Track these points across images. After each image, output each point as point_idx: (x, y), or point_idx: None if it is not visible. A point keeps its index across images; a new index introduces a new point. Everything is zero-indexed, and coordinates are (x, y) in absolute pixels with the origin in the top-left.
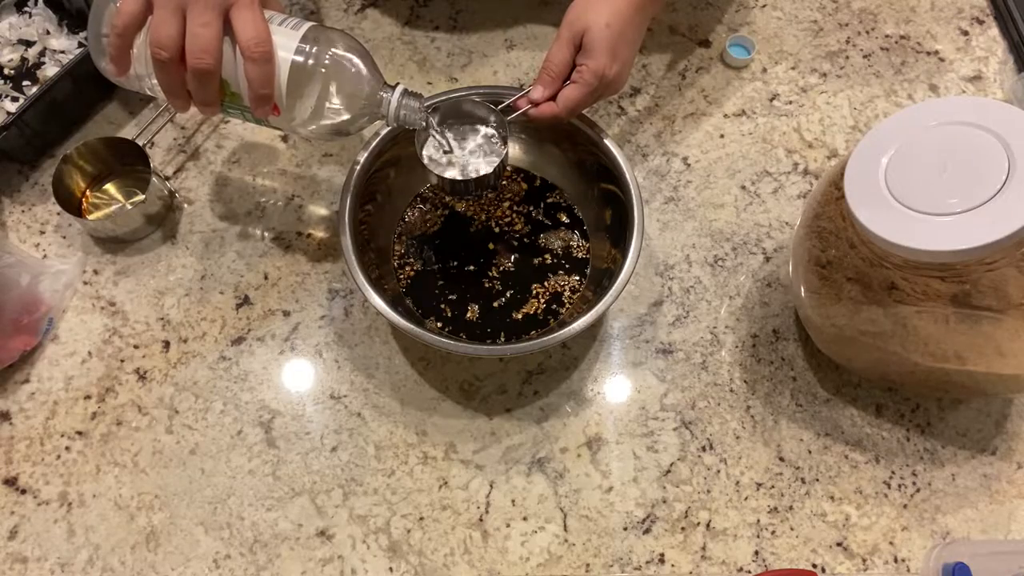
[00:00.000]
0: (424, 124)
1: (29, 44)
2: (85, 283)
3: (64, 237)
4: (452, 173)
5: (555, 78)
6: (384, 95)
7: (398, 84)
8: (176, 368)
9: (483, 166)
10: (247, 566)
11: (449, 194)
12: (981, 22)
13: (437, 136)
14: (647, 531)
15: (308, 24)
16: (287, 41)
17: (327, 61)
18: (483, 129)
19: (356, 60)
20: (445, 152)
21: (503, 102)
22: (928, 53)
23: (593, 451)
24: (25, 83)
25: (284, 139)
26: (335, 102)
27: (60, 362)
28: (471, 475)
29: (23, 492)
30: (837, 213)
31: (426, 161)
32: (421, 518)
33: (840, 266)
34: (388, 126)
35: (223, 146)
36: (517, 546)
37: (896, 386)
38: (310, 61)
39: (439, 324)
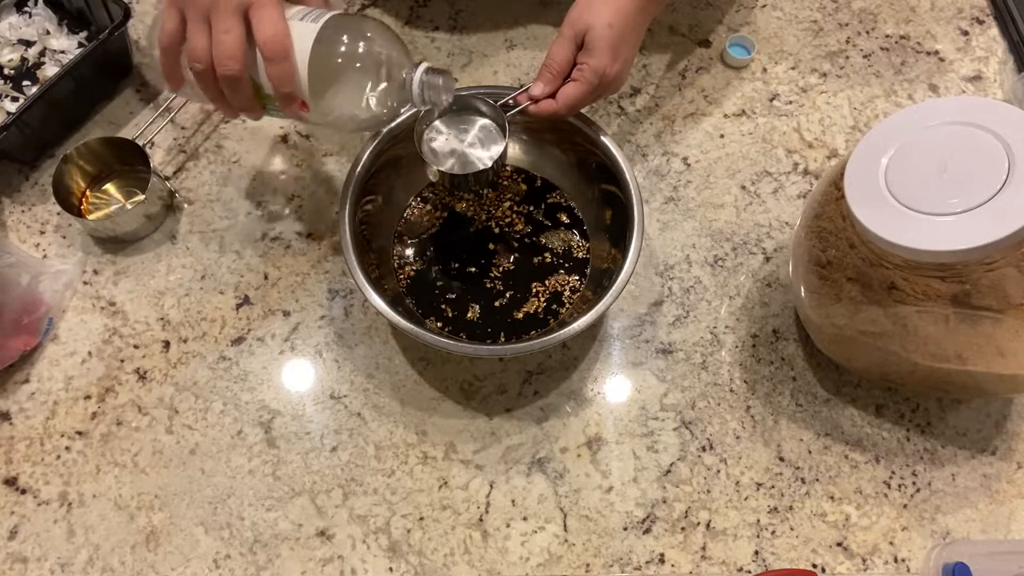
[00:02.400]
0: (450, 102)
1: (29, 44)
2: (85, 283)
3: (64, 237)
4: (450, 167)
5: (556, 75)
6: (407, 75)
7: (422, 62)
8: (176, 368)
9: (482, 161)
10: (247, 566)
11: (448, 189)
12: (981, 22)
13: (436, 128)
14: (647, 531)
15: (329, 14)
16: (306, 34)
17: (345, 49)
18: (483, 124)
19: (379, 44)
20: (435, 130)
21: (503, 99)
22: (928, 53)
23: (593, 451)
24: (25, 83)
25: (284, 139)
26: (362, 89)
27: (60, 362)
28: (471, 475)
29: (23, 492)
30: (837, 213)
31: (425, 155)
32: (421, 518)
33: (840, 266)
34: (415, 107)
35: (223, 146)
36: (517, 546)
37: (896, 386)
38: (329, 52)
39: (439, 324)
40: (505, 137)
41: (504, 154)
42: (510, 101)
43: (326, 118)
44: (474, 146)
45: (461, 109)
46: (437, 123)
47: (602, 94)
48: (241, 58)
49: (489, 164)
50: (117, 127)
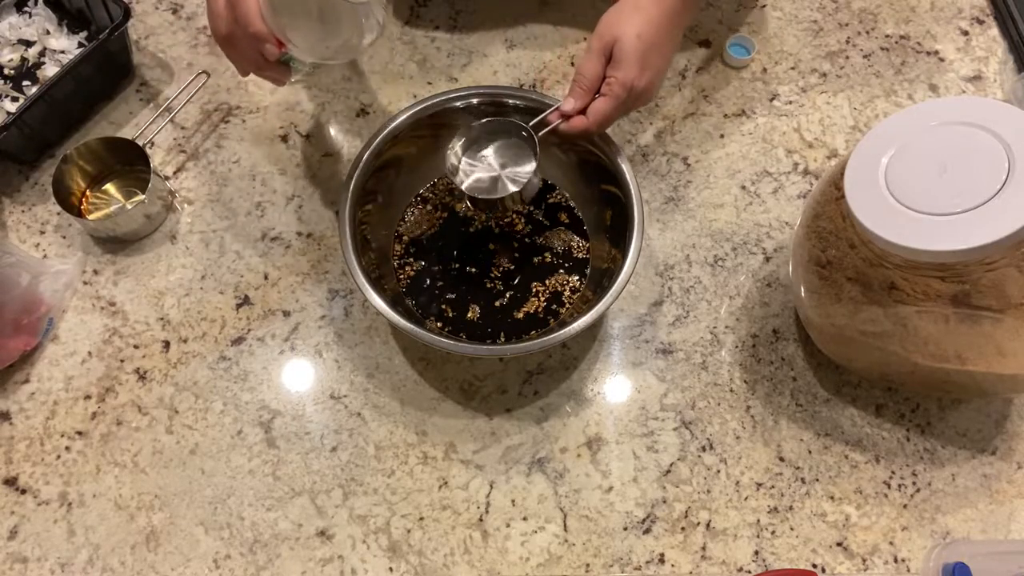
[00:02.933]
0: None
1: (29, 44)
2: (85, 283)
3: (64, 237)
4: (481, 191)
5: (587, 91)
6: None
7: None
8: (176, 368)
9: (515, 182)
10: (247, 566)
11: (480, 209)
12: (981, 22)
13: (467, 153)
14: (647, 531)
15: None
16: None
17: None
18: (513, 145)
19: None
20: (465, 157)
21: (536, 116)
22: (928, 53)
23: (593, 451)
24: (25, 83)
25: (284, 139)
26: (307, 8)
27: (60, 362)
28: (471, 475)
29: (23, 492)
30: (837, 213)
31: (451, 175)
32: (421, 518)
33: (840, 266)
34: None
35: (223, 146)
36: (517, 546)
37: (896, 386)
38: None
39: (439, 324)
40: (536, 160)
41: (533, 178)
42: (542, 120)
43: (306, 52)
44: (505, 167)
45: (495, 132)
46: (466, 149)
47: (632, 107)
48: (226, 16)
49: (517, 190)
50: (117, 127)
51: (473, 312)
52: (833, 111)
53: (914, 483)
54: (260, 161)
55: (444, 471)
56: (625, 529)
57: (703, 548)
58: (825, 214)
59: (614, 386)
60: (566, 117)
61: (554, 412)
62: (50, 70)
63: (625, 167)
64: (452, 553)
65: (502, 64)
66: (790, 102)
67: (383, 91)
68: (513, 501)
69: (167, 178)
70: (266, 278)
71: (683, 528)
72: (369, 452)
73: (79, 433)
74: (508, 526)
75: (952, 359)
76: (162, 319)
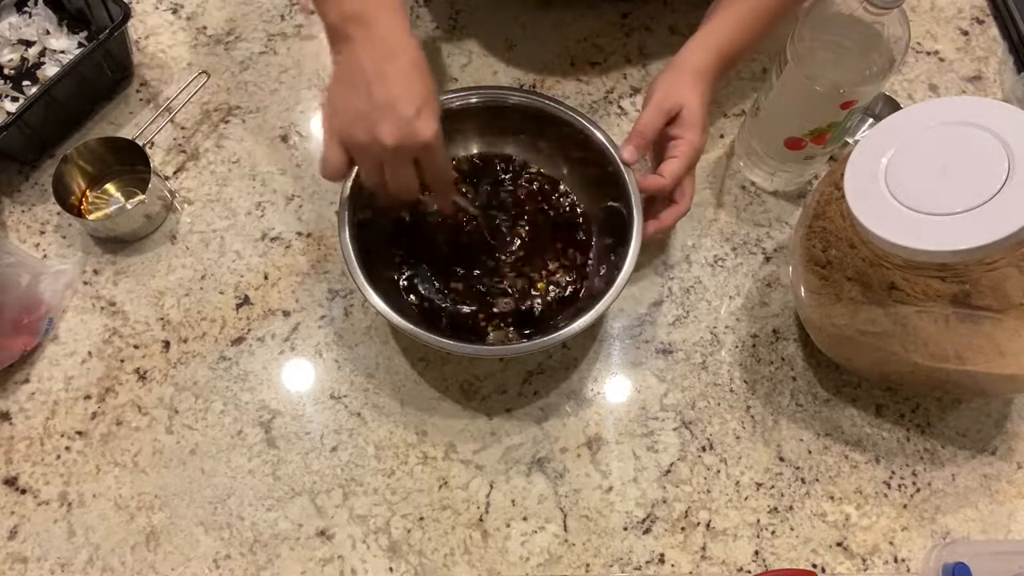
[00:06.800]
0: None
1: (29, 44)
2: (85, 283)
3: (64, 237)
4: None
5: (647, 143)
6: None
7: None
8: (176, 368)
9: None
10: (247, 566)
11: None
12: (981, 22)
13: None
14: (647, 531)
15: None
16: None
17: None
18: None
19: None
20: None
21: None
22: (928, 53)
23: (593, 451)
24: (25, 83)
25: (284, 139)
26: None
27: (60, 362)
28: (471, 475)
29: (23, 492)
30: (837, 213)
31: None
32: (421, 518)
33: (840, 266)
34: None
35: (223, 146)
36: (517, 546)
37: (896, 386)
38: None
39: (440, 323)
40: None
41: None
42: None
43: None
44: None
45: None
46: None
47: (694, 164)
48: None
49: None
50: (117, 127)
51: (472, 311)
52: None
53: (914, 483)
54: (260, 161)
55: (444, 471)
56: (625, 529)
57: (703, 548)
58: (825, 214)
59: (614, 386)
60: (627, 164)
61: (554, 412)
62: (50, 70)
63: (626, 168)
64: (452, 553)
65: (502, 64)
66: None
67: None
68: (513, 501)
69: (167, 178)
70: (266, 278)
71: (683, 528)
72: (369, 452)
73: (79, 433)
74: (508, 526)
75: (952, 359)
76: (162, 319)
